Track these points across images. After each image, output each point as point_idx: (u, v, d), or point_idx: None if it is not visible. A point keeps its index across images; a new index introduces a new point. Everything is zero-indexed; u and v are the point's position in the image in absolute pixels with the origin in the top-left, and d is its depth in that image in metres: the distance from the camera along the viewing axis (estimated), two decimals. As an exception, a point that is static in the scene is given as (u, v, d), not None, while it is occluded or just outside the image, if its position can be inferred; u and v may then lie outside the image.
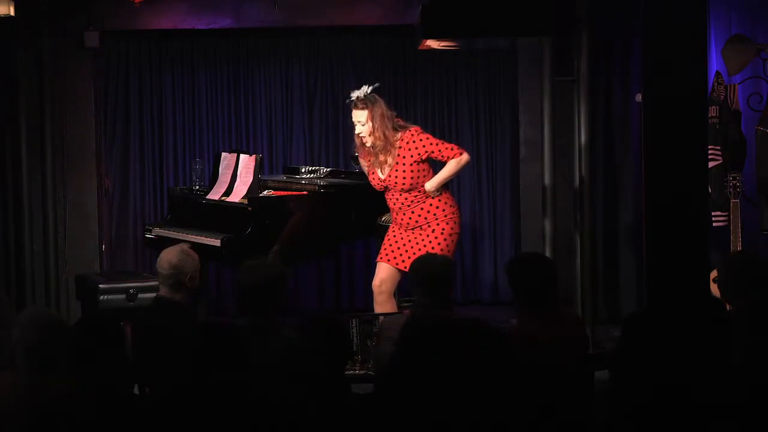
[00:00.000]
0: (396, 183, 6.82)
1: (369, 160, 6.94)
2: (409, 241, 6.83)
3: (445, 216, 6.81)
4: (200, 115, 8.92)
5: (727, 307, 6.64)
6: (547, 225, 7.68)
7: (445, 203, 6.84)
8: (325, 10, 8.33)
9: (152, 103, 8.87)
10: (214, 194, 7.69)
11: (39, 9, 8.03)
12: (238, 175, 7.62)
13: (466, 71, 8.98)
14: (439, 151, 6.78)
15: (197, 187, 8.04)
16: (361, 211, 7.46)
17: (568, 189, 7.72)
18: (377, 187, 6.99)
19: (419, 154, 6.77)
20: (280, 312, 5.21)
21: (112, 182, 8.74)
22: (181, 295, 5.40)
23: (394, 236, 6.90)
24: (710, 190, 7.18)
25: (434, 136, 9.04)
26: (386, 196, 6.95)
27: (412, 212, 6.83)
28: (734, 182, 7.36)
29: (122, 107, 8.82)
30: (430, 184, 6.80)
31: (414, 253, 6.69)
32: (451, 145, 6.87)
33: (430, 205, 6.81)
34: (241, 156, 7.68)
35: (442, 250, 6.71)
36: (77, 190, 8.36)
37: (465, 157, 6.83)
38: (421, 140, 6.79)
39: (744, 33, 7.74)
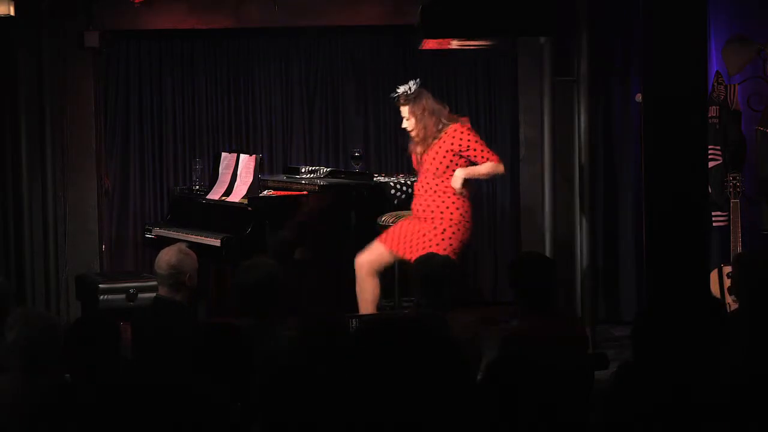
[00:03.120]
0: (429, 166, 6.88)
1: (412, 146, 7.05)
2: (415, 231, 6.86)
3: (454, 220, 6.81)
4: (200, 115, 8.91)
5: (729, 307, 6.67)
6: (547, 225, 7.67)
7: (466, 211, 6.86)
8: (325, 10, 8.33)
9: (152, 103, 8.87)
10: (214, 194, 7.69)
11: (39, 9, 8.03)
12: (238, 175, 7.63)
13: (466, 71, 8.97)
14: (481, 151, 6.84)
15: (197, 187, 8.05)
16: (361, 211, 7.46)
17: (568, 189, 7.72)
18: (414, 164, 7.07)
19: (458, 146, 6.82)
20: (279, 311, 5.22)
21: (112, 182, 8.74)
22: (181, 294, 5.40)
23: (401, 226, 6.93)
24: (710, 190, 7.19)
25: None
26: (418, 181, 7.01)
27: (429, 201, 6.86)
28: (734, 182, 7.36)
29: (122, 107, 8.82)
30: (461, 171, 6.81)
31: (414, 242, 6.76)
32: (493, 152, 6.90)
33: (451, 203, 6.82)
34: (241, 156, 7.68)
35: (444, 249, 6.69)
36: (77, 190, 8.36)
37: (502, 167, 6.92)
38: (463, 133, 6.85)
39: (744, 33, 7.74)
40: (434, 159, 6.85)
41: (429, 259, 5.39)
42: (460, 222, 6.83)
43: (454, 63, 8.93)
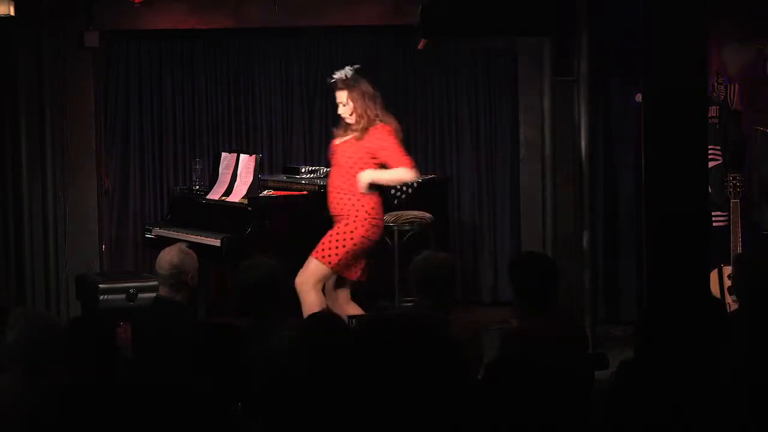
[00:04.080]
0: (339, 152, 6.83)
1: (339, 131, 6.94)
2: (328, 233, 6.82)
3: (359, 219, 6.74)
4: (200, 115, 8.92)
5: (729, 307, 6.67)
6: (548, 225, 7.68)
7: (372, 208, 6.77)
8: (325, 10, 8.33)
9: (152, 103, 8.87)
10: (214, 194, 7.69)
11: (39, 9, 8.03)
12: (238, 175, 7.63)
13: (466, 71, 8.98)
14: (395, 155, 6.74)
15: (197, 187, 8.05)
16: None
17: (568, 189, 7.72)
18: (329, 154, 7.01)
19: (373, 146, 6.75)
20: (279, 311, 5.22)
21: (112, 182, 8.74)
22: (181, 294, 5.40)
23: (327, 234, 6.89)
24: (710, 190, 7.19)
25: (432, 136, 9.08)
26: (330, 174, 6.95)
27: (338, 200, 6.80)
28: (734, 182, 7.35)
29: (122, 107, 8.82)
30: (366, 173, 6.74)
31: (323, 242, 6.71)
32: (409, 158, 6.81)
33: (357, 201, 6.75)
34: (241, 156, 7.68)
35: (344, 246, 6.68)
36: (77, 190, 8.36)
37: (413, 174, 6.79)
38: (387, 137, 6.76)
39: (744, 33, 7.74)
40: (349, 156, 6.78)
41: (428, 259, 5.37)
42: (366, 220, 6.75)
43: (454, 63, 8.94)
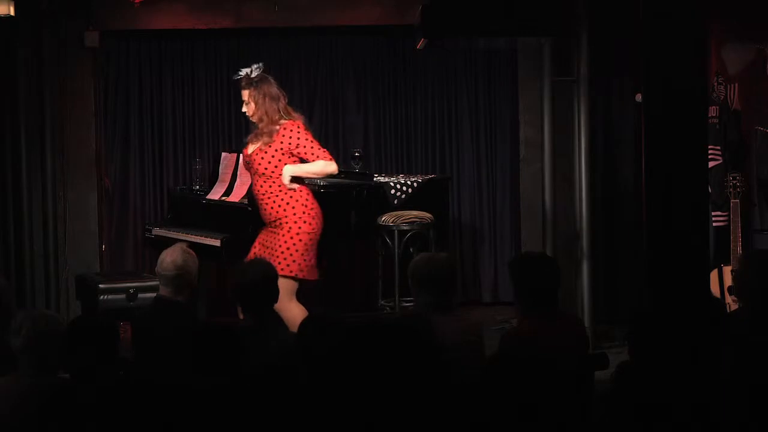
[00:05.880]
0: (256, 162, 6.67)
1: (251, 137, 6.83)
2: (266, 241, 6.69)
3: (297, 214, 6.61)
4: (200, 115, 8.92)
5: (729, 307, 6.67)
6: (548, 225, 7.68)
7: (306, 200, 6.65)
8: (325, 10, 8.33)
9: (152, 103, 8.87)
10: (214, 194, 7.70)
11: (39, 9, 8.03)
12: (238, 175, 7.63)
13: (466, 71, 8.98)
14: (312, 149, 6.63)
15: (197, 187, 8.05)
16: (361, 211, 7.46)
17: (568, 189, 7.72)
18: (242, 162, 6.89)
19: (288, 145, 6.62)
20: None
21: (112, 182, 8.74)
22: (183, 295, 5.40)
23: (259, 239, 6.78)
24: (710, 190, 7.19)
25: (432, 136, 9.08)
26: (252, 184, 6.83)
27: (272, 205, 6.64)
28: (734, 182, 7.35)
29: (122, 107, 8.82)
30: (290, 167, 6.61)
31: (269, 254, 6.55)
32: (326, 150, 6.71)
33: (290, 198, 6.62)
34: (241, 156, 7.68)
35: (297, 250, 6.56)
36: (77, 190, 8.36)
37: (334, 166, 6.68)
38: (297, 133, 6.64)
39: (744, 33, 7.74)
40: (263, 159, 6.63)
41: (428, 259, 5.37)
42: (304, 213, 6.62)
43: (454, 63, 8.94)
